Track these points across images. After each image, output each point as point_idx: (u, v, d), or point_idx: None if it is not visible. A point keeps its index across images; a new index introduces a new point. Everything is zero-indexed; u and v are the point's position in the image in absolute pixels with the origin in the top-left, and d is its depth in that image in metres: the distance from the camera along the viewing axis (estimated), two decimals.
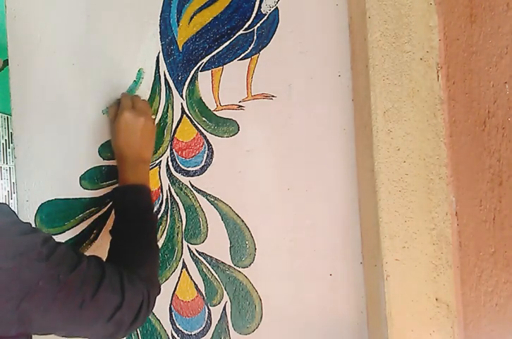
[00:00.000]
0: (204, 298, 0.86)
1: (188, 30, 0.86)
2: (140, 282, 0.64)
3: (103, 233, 0.87)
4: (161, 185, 0.87)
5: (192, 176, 0.87)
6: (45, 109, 0.88)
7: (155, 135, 0.84)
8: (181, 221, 0.87)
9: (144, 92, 0.87)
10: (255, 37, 0.85)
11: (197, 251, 0.86)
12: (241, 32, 0.85)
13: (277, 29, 0.85)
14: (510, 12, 0.68)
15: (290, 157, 0.85)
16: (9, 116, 1.67)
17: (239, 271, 0.85)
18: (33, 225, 0.83)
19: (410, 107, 0.74)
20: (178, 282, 0.87)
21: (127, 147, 0.78)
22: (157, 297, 0.87)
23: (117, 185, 0.86)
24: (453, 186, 0.74)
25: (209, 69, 0.86)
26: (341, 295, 0.83)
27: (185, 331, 0.86)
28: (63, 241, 0.86)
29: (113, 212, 0.86)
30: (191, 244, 0.87)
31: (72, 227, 0.86)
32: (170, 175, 0.87)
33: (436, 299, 0.73)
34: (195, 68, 0.86)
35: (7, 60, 0.89)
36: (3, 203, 0.59)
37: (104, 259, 0.68)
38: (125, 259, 0.68)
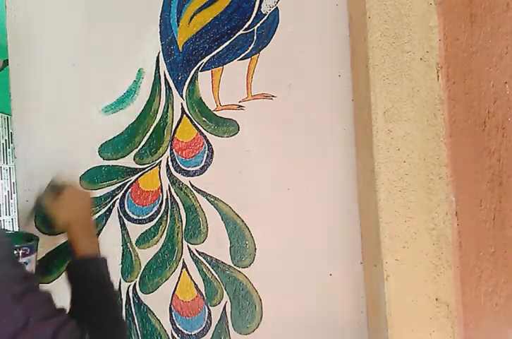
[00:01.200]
0: (204, 298, 0.86)
1: (188, 30, 0.86)
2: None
3: (103, 233, 0.87)
4: (161, 185, 0.87)
5: (192, 176, 0.87)
6: (45, 109, 0.88)
7: (90, 208, 0.81)
8: (181, 221, 0.87)
9: (144, 92, 0.87)
10: (255, 37, 0.85)
11: (197, 251, 0.86)
12: (241, 32, 0.85)
13: (277, 29, 0.85)
14: (510, 12, 0.68)
15: (290, 157, 0.85)
16: (9, 116, 1.67)
17: (239, 271, 0.85)
18: (33, 225, 0.84)
19: (410, 107, 0.74)
20: (178, 282, 0.87)
21: (73, 223, 0.75)
22: (157, 297, 0.87)
23: (119, 186, 0.86)
24: (453, 186, 0.74)
25: (209, 69, 0.86)
26: (341, 295, 0.83)
27: (185, 331, 0.86)
28: (64, 241, 0.86)
29: (113, 212, 0.86)
30: (191, 243, 0.87)
31: None
32: (170, 175, 0.87)
33: (436, 299, 0.73)
34: (195, 68, 0.86)
35: (7, 60, 0.89)
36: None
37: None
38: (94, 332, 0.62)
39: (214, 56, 0.86)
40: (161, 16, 0.87)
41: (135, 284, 0.87)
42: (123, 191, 0.86)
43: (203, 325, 0.86)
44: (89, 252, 0.73)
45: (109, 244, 0.85)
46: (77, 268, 0.73)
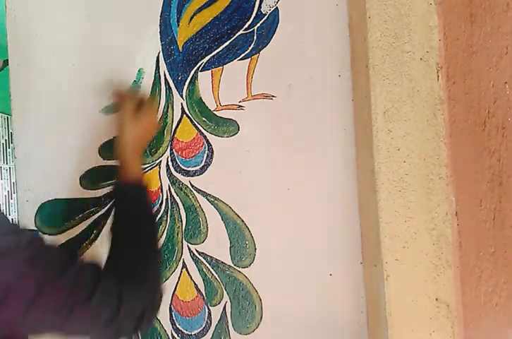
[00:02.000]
0: (204, 298, 0.86)
1: (188, 30, 0.86)
2: (141, 289, 0.62)
3: (103, 233, 0.87)
4: (161, 185, 0.87)
5: (192, 176, 0.87)
6: (45, 109, 0.88)
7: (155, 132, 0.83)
8: (181, 221, 0.87)
9: (144, 92, 0.87)
10: (255, 37, 0.85)
11: (197, 251, 0.86)
12: (241, 32, 0.85)
13: (277, 29, 0.85)
14: (510, 12, 0.68)
15: (290, 157, 0.85)
16: (9, 116, 1.67)
17: (239, 271, 0.85)
18: (33, 225, 0.84)
19: (410, 107, 0.74)
20: (178, 282, 0.87)
21: (131, 146, 0.76)
22: None
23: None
24: (453, 186, 0.74)
25: (209, 69, 0.86)
26: (341, 295, 0.83)
27: (185, 331, 0.86)
28: (64, 241, 0.86)
29: (113, 212, 0.86)
30: (191, 243, 0.87)
31: (72, 227, 0.87)
32: (170, 175, 0.87)
33: (436, 299, 0.73)
34: (195, 68, 0.86)
35: (7, 60, 0.89)
36: None
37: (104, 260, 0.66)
38: (125, 263, 0.65)
39: (214, 56, 0.86)
40: (161, 16, 0.87)
41: None
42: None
43: (203, 325, 0.86)
44: (136, 178, 0.75)
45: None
46: (125, 188, 0.75)
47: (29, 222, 0.86)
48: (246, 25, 0.85)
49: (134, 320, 0.60)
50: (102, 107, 0.87)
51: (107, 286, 0.58)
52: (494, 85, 0.69)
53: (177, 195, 0.87)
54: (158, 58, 0.87)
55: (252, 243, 0.85)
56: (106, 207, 0.86)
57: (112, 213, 0.86)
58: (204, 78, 0.86)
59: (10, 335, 0.53)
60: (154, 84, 0.87)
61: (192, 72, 0.86)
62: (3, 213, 0.57)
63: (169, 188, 0.87)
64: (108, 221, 0.86)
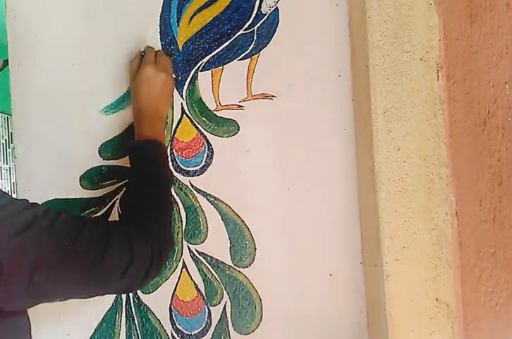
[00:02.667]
0: (204, 298, 0.86)
1: (188, 30, 0.86)
2: (149, 238, 0.65)
3: None
4: None
5: (192, 176, 0.87)
6: (45, 109, 0.88)
7: (172, 95, 0.84)
8: (181, 221, 0.87)
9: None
10: (255, 37, 0.85)
11: (197, 251, 0.86)
12: (241, 32, 0.85)
13: (277, 29, 0.85)
14: (510, 12, 0.68)
15: (290, 157, 0.85)
16: (9, 116, 1.67)
17: (239, 271, 0.85)
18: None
19: (410, 107, 0.74)
20: (178, 282, 0.87)
21: (146, 101, 0.78)
22: (157, 297, 0.87)
23: (119, 186, 0.86)
24: (453, 186, 0.74)
25: (209, 69, 0.86)
26: (341, 295, 0.83)
27: (185, 331, 0.86)
28: None
29: (113, 212, 0.86)
30: (191, 243, 0.87)
31: None
32: None
33: (436, 299, 0.73)
34: (195, 68, 0.86)
35: (7, 60, 0.89)
36: None
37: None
38: (136, 213, 0.69)
39: (214, 56, 0.86)
40: (161, 16, 0.87)
41: None
42: (123, 191, 0.86)
43: (203, 325, 0.86)
44: (148, 135, 0.76)
45: None
46: (131, 148, 0.77)
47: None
48: (246, 25, 0.85)
49: (145, 268, 0.63)
50: (102, 107, 0.87)
51: (117, 240, 0.61)
52: (494, 85, 0.69)
53: (177, 195, 0.87)
54: None
55: (252, 243, 0.85)
56: (106, 207, 0.86)
57: (113, 213, 0.86)
58: (204, 78, 0.86)
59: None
60: None
61: (192, 72, 0.86)
62: (6, 193, 0.59)
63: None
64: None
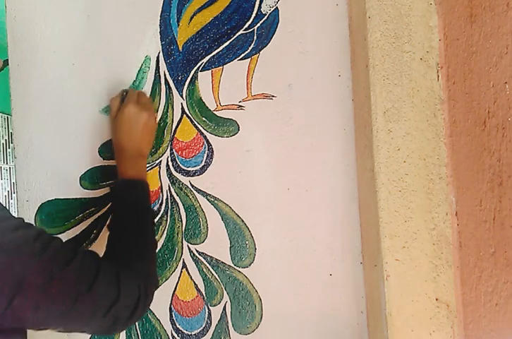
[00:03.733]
0: (204, 298, 0.86)
1: (188, 30, 0.86)
2: (137, 278, 0.64)
3: (103, 233, 0.87)
4: (161, 185, 0.87)
5: (192, 176, 0.87)
6: (45, 109, 0.88)
7: (155, 133, 0.84)
8: (181, 221, 0.87)
9: (144, 92, 0.87)
10: (255, 37, 0.85)
11: (197, 251, 0.86)
12: (241, 32, 0.85)
13: (277, 29, 0.85)
14: (510, 12, 0.68)
15: (290, 157, 0.85)
16: (9, 116, 1.67)
17: (239, 271, 0.85)
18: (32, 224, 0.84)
19: (410, 107, 0.74)
20: (178, 282, 0.87)
21: (128, 141, 0.78)
22: (157, 297, 0.87)
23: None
24: (453, 186, 0.74)
25: (209, 69, 0.86)
26: (341, 295, 0.83)
27: (185, 331, 0.86)
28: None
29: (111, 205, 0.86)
30: (191, 243, 0.87)
31: (72, 227, 0.87)
32: (170, 175, 0.87)
33: (436, 299, 0.73)
34: (195, 68, 0.86)
35: (7, 60, 0.89)
36: None
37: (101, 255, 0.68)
38: (122, 254, 0.68)
39: (214, 56, 0.86)
40: (161, 16, 0.87)
41: None
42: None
43: (203, 325, 0.86)
44: (131, 174, 0.76)
45: None
46: (119, 188, 0.78)
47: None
48: (246, 25, 0.85)
49: (130, 308, 0.61)
50: (102, 107, 0.87)
51: (106, 276, 0.60)
52: (494, 85, 0.69)
53: (177, 195, 0.87)
54: (158, 58, 0.87)
55: (252, 243, 0.85)
56: (106, 207, 0.86)
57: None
58: (204, 78, 0.86)
59: (14, 328, 0.54)
60: (154, 84, 0.87)
61: (192, 72, 0.86)
62: (6, 208, 0.58)
63: (169, 188, 0.87)
64: (108, 221, 0.86)
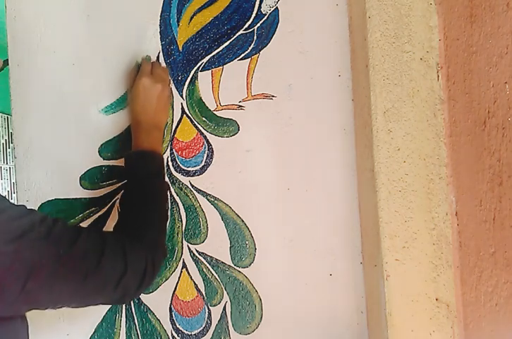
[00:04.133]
0: (204, 298, 0.86)
1: (188, 30, 0.86)
2: (144, 249, 0.65)
3: None
4: None
5: (192, 176, 0.87)
6: (45, 109, 0.88)
7: (170, 104, 0.84)
8: (181, 221, 0.87)
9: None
10: (255, 37, 0.85)
11: (197, 251, 0.86)
12: (241, 32, 0.85)
13: (277, 29, 0.85)
14: (511, 12, 0.68)
15: (290, 157, 0.85)
16: (9, 116, 1.67)
17: (239, 271, 0.85)
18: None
19: (410, 107, 0.74)
20: (178, 282, 0.87)
21: (142, 112, 0.78)
22: (157, 297, 0.87)
23: (119, 186, 0.86)
24: (453, 186, 0.74)
25: (209, 69, 0.86)
26: (341, 295, 0.83)
27: (185, 331, 0.86)
28: None
29: (113, 212, 0.86)
30: (191, 243, 0.87)
31: None
32: (170, 175, 0.87)
33: (436, 299, 0.73)
34: (195, 68, 0.86)
35: (7, 60, 0.89)
36: None
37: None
38: (132, 226, 0.70)
39: (214, 56, 0.86)
40: (161, 16, 0.87)
41: None
42: (123, 192, 0.86)
43: (203, 325, 0.86)
44: (146, 146, 0.77)
45: None
46: (128, 159, 0.78)
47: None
48: (246, 25, 0.85)
49: (138, 278, 0.63)
50: (102, 107, 0.87)
51: (112, 250, 0.61)
52: (494, 85, 0.69)
53: (177, 195, 0.87)
54: (158, 58, 0.87)
55: (252, 243, 0.85)
56: (106, 207, 0.86)
57: (113, 213, 0.86)
58: (204, 78, 0.86)
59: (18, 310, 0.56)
60: None
61: (192, 72, 0.86)
62: (5, 197, 0.58)
63: (169, 188, 0.87)
64: (108, 221, 0.86)
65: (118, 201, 0.86)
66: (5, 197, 0.59)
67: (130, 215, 0.72)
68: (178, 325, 0.87)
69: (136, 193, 0.74)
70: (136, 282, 0.63)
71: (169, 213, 0.87)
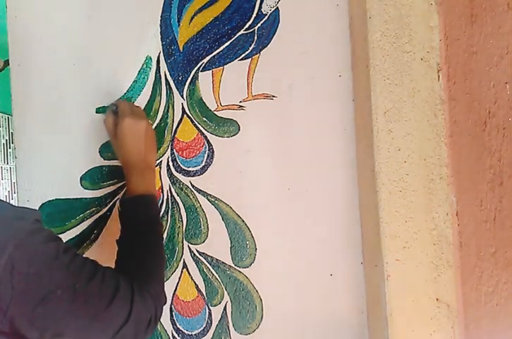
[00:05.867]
0: (204, 298, 0.86)
1: (189, 30, 0.86)
2: (150, 298, 0.64)
3: (103, 233, 0.87)
4: (162, 185, 0.87)
5: (192, 176, 0.87)
6: (46, 109, 0.88)
7: (156, 140, 0.83)
8: (182, 221, 0.87)
9: (144, 92, 0.87)
10: (256, 37, 0.85)
11: (197, 251, 0.86)
12: (242, 32, 0.85)
13: (278, 29, 0.85)
14: (511, 12, 0.68)
15: (291, 157, 0.85)
16: (10, 116, 1.67)
17: (239, 271, 0.85)
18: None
19: (410, 107, 0.74)
20: (178, 282, 0.87)
21: (133, 153, 0.76)
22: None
23: (120, 186, 0.86)
24: (454, 186, 0.74)
25: (209, 69, 0.86)
26: (342, 295, 0.83)
27: (185, 331, 0.86)
28: (65, 241, 0.86)
29: (113, 211, 0.86)
30: (192, 244, 0.87)
31: (73, 227, 0.86)
32: (170, 175, 0.87)
33: (437, 299, 0.73)
34: (196, 68, 0.86)
35: (8, 60, 0.89)
36: (34, 210, 0.59)
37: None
38: (134, 273, 0.67)
39: (214, 56, 0.86)
40: (161, 16, 0.87)
41: None
42: (123, 191, 0.86)
43: (203, 326, 0.86)
44: (141, 190, 0.75)
45: (110, 244, 0.85)
46: (126, 206, 0.76)
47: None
48: (247, 25, 0.85)
49: (140, 328, 0.61)
50: (102, 107, 0.87)
51: (124, 293, 0.60)
52: (494, 85, 0.69)
53: (177, 195, 0.87)
54: (158, 58, 0.87)
55: (252, 243, 0.85)
56: (107, 208, 0.86)
57: (113, 213, 0.86)
58: (204, 78, 0.86)
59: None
60: (154, 84, 0.87)
61: (193, 72, 0.86)
62: (38, 219, 0.58)
63: (170, 189, 0.87)
64: (109, 221, 0.86)
65: (118, 201, 0.86)
66: (39, 219, 0.58)
67: (130, 260, 0.70)
68: (178, 326, 0.87)
69: (138, 240, 0.72)
70: (139, 332, 0.62)
71: (170, 214, 0.87)
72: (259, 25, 0.85)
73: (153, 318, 0.63)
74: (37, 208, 0.87)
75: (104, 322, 0.58)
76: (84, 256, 0.61)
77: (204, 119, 0.86)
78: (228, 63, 0.86)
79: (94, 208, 0.86)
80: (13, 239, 0.52)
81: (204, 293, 0.86)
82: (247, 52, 0.85)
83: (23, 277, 0.51)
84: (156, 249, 0.73)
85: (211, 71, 0.86)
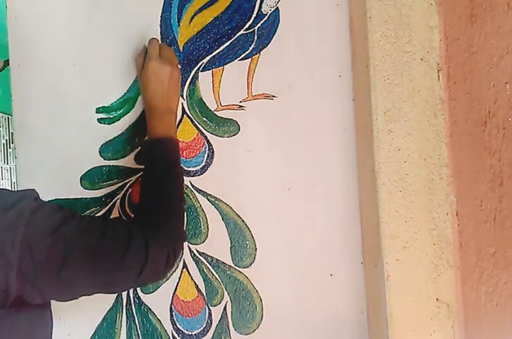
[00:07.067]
0: (204, 298, 0.86)
1: (189, 30, 0.86)
2: (165, 237, 0.68)
3: None
4: None
5: (192, 176, 0.87)
6: (46, 109, 0.88)
7: (180, 86, 0.84)
8: None
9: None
10: (256, 37, 0.85)
11: (197, 251, 0.86)
12: (242, 32, 0.85)
13: (278, 29, 0.85)
14: (511, 12, 0.68)
15: (291, 157, 0.85)
16: (10, 116, 1.67)
17: (239, 271, 0.85)
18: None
19: (410, 107, 0.74)
20: (178, 282, 0.87)
21: (155, 97, 0.78)
22: (158, 297, 0.87)
23: (120, 186, 0.86)
24: (454, 186, 0.74)
25: (209, 69, 0.86)
26: (342, 295, 0.83)
27: (185, 331, 0.87)
28: None
29: (113, 212, 0.86)
30: (191, 244, 0.87)
31: None
32: None
33: (437, 299, 0.73)
34: (196, 68, 0.86)
35: (8, 60, 0.89)
36: (31, 189, 0.62)
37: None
38: (151, 212, 0.72)
39: (214, 56, 0.86)
40: (161, 16, 0.87)
41: None
42: (123, 191, 0.86)
43: (204, 326, 0.86)
44: (160, 133, 0.77)
45: None
46: (144, 148, 0.80)
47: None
48: (247, 25, 0.85)
49: (161, 266, 0.67)
50: (102, 107, 0.87)
51: (137, 241, 0.64)
52: (494, 85, 0.69)
53: None
54: None
55: (252, 243, 0.85)
56: (107, 208, 0.86)
57: (113, 213, 0.86)
58: (204, 78, 0.86)
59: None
60: None
61: (193, 72, 0.86)
62: (39, 197, 0.62)
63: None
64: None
65: (118, 201, 0.86)
66: (38, 197, 0.62)
67: (152, 203, 0.73)
68: (178, 326, 0.87)
69: (156, 183, 0.75)
70: (160, 269, 0.67)
71: None
72: (259, 25, 0.85)
73: (171, 253, 0.67)
74: None
75: (124, 271, 0.63)
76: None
77: (204, 119, 0.86)
78: (228, 63, 0.86)
79: (94, 208, 0.86)
80: (21, 220, 0.55)
81: (204, 293, 0.86)
82: (247, 52, 0.85)
83: (41, 250, 0.55)
84: (173, 189, 0.76)
85: (211, 71, 0.86)
